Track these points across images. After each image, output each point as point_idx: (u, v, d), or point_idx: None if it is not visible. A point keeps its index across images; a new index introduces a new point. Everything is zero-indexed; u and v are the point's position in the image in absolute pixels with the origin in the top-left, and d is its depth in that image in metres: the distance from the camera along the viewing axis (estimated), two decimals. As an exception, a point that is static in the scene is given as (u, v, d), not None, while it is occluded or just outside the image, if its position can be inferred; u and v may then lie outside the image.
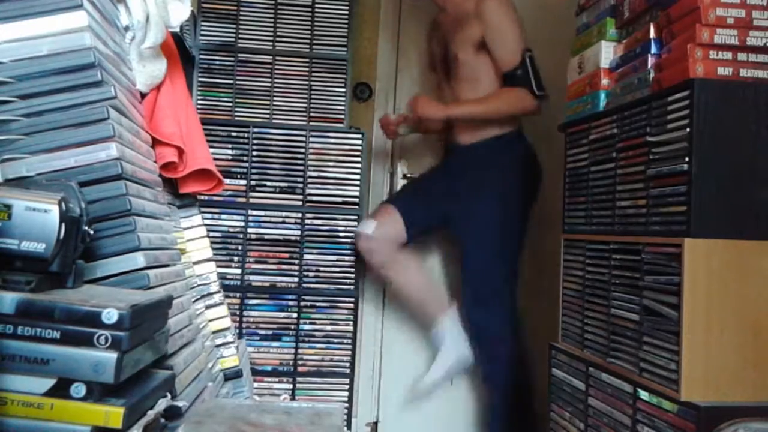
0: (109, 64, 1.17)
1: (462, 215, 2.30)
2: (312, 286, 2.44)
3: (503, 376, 2.23)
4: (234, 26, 2.48)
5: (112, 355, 0.79)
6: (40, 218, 0.86)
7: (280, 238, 2.43)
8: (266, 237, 2.43)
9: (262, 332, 2.41)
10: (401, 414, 2.68)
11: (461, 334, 2.34)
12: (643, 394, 1.41)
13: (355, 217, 2.46)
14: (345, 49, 2.52)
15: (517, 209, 2.28)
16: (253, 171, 2.43)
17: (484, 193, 2.27)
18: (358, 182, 2.46)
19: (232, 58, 2.47)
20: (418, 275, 2.44)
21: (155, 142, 1.42)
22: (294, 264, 2.43)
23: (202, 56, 2.46)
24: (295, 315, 2.42)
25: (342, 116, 2.51)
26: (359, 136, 2.48)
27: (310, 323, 2.43)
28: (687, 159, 1.33)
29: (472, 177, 2.30)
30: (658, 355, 1.38)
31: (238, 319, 2.37)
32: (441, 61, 2.42)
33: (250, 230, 2.42)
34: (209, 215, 2.36)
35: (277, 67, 2.49)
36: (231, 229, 2.41)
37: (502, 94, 2.24)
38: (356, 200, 2.47)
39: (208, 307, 1.60)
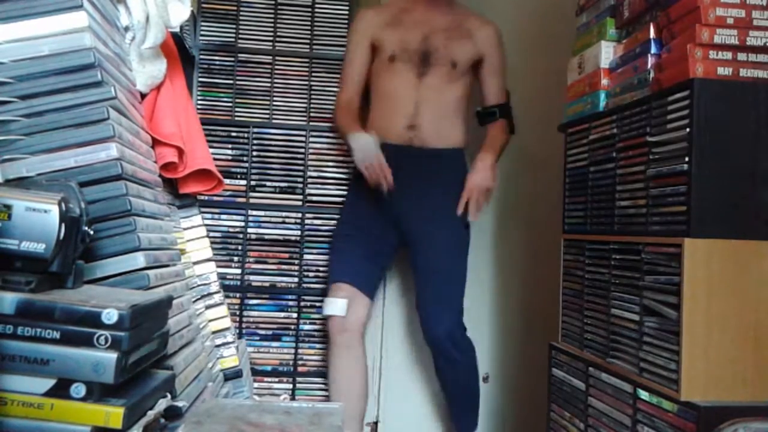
0: (109, 64, 1.17)
1: (431, 231, 2.20)
2: (312, 286, 2.44)
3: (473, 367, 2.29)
4: (234, 26, 2.48)
5: (112, 355, 0.80)
6: (40, 218, 0.86)
7: (280, 238, 2.43)
8: (266, 237, 2.43)
9: (262, 332, 2.41)
10: (401, 414, 2.68)
11: None
12: (643, 394, 1.41)
13: (355, 217, 2.45)
14: (345, 49, 2.52)
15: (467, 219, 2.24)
16: (253, 171, 2.43)
17: (452, 201, 2.18)
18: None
19: (232, 58, 2.47)
20: (362, 379, 2.25)
21: (155, 143, 1.42)
22: (294, 264, 2.43)
23: (202, 56, 2.46)
24: (295, 315, 2.43)
25: (342, 116, 2.51)
26: (359, 136, 2.48)
27: (310, 323, 2.43)
28: (687, 159, 1.33)
29: (442, 182, 2.21)
30: (658, 355, 1.38)
31: (238, 319, 2.37)
32: (414, 54, 2.24)
33: (250, 230, 2.42)
34: (209, 215, 2.36)
35: (277, 67, 2.49)
36: (231, 229, 2.42)
37: (503, 130, 2.30)
38: (356, 200, 2.47)
39: (208, 307, 1.60)
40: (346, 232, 2.30)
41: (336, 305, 2.20)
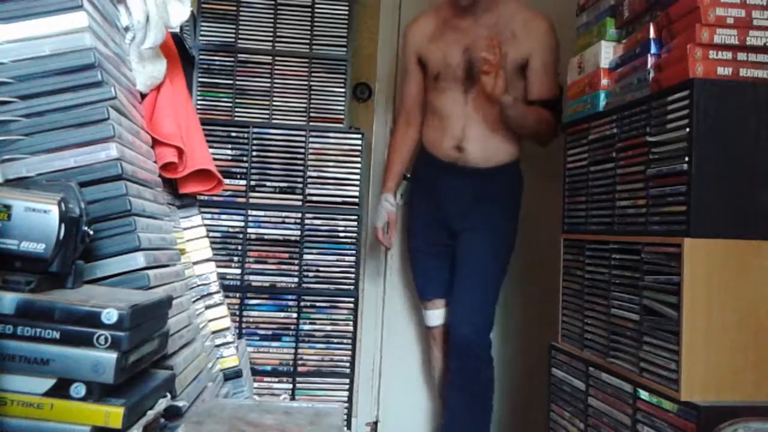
0: (110, 64, 1.17)
1: (473, 236, 2.22)
2: (312, 286, 2.44)
3: (487, 391, 2.23)
4: (234, 26, 2.48)
5: (112, 355, 0.79)
6: (39, 218, 0.86)
7: (280, 238, 2.43)
8: (266, 237, 2.43)
9: (262, 332, 2.41)
10: (401, 414, 2.68)
11: None
12: (643, 394, 1.41)
13: (355, 217, 2.46)
14: (345, 49, 2.52)
15: (515, 232, 2.29)
16: (253, 171, 2.43)
17: (498, 217, 2.23)
18: (358, 182, 2.47)
19: (231, 59, 2.47)
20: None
21: (155, 143, 1.42)
22: (294, 264, 2.43)
23: (201, 56, 2.46)
24: (295, 315, 2.43)
25: (342, 116, 2.51)
26: (359, 136, 2.49)
27: (310, 323, 2.44)
28: (687, 159, 1.33)
29: (489, 200, 2.22)
30: (658, 355, 1.38)
31: (238, 319, 2.37)
32: (457, 69, 2.18)
33: (250, 230, 2.42)
34: (209, 215, 2.36)
35: (276, 67, 2.49)
36: (231, 229, 2.42)
37: (547, 115, 2.12)
38: (356, 200, 2.47)
39: (207, 307, 1.60)
40: (422, 249, 2.36)
41: (437, 316, 2.35)
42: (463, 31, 2.18)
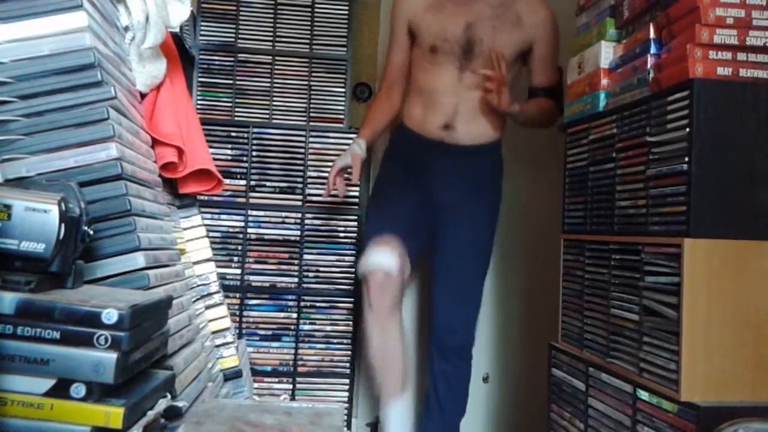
0: (109, 64, 1.17)
1: (459, 223, 2.11)
2: (312, 286, 2.44)
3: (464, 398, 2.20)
4: (234, 26, 2.48)
5: (112, 356, 0.80)
6: (39, 218, 0.86)
7: (280, 238, 2.43)
8: (266, 237, 2.43)
9: (262, 332, 2.41)
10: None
11: (407, 425, 2.15)
12: (643, 394, 1.41)
13: (355, 217, 2.46)
14: (345, 49, 2.52)
15: (497, 217, 2.22)
16: (253, 171, 2.43)
17: (485, 200, 2.16)
18: (358, 182, 2.46)
19: (231, 58, 2.47)
20: (400, 342, 2.11)
21: (155, 143, 1.42)
22: (294, 264, 2.43)
23: (201, 56, 2.46)
24: (294, 315, 2.43)
25: (342, 116, 2.51)
26: (359, 136, 2.48)
27: (310, 323, 2.44)
28: (687, 159, 1.33)
29: (475, 177, 2.14)
30: (658, 355, 1.38)
31: (237, 319, 2.37)
32: (456, 45, 2.07)
33: (249, 230, 2.42)
34: (209, 215, 2.36)
35: (276, 67, 2.49)
36: (231, 229, 2.42)
37: (549, 104, 2.09)
38: (356, 200, 2.47)
39: (207, 307, 1.60)
40: (396, 191, 2.15)
41: (383, 255, 1.98)
42: (466, 5, 2.08)
